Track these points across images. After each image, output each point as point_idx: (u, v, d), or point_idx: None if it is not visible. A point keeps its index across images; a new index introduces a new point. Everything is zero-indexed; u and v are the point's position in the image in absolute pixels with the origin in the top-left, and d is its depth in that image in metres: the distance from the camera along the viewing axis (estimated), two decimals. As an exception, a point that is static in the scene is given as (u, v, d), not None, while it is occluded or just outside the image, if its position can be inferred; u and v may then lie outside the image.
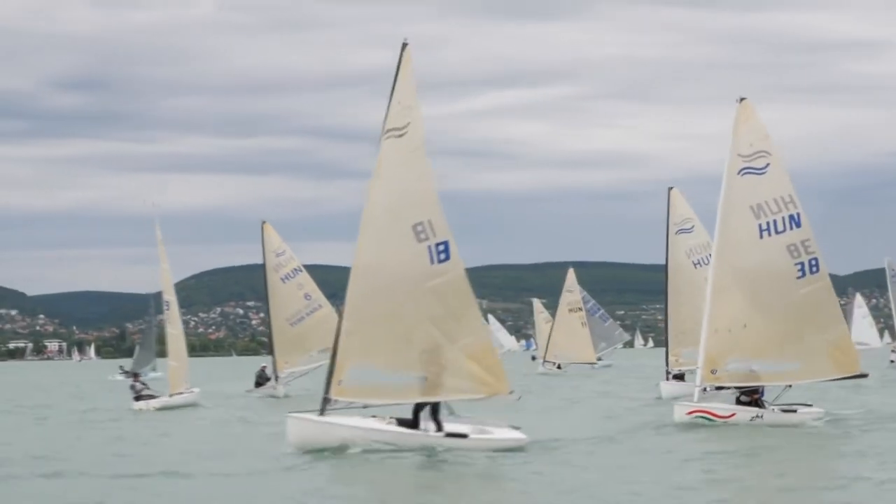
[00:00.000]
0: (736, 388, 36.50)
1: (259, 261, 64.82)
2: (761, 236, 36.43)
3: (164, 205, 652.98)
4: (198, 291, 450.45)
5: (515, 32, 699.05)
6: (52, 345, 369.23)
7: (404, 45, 29.95)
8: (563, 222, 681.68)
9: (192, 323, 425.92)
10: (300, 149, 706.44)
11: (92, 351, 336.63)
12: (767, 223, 36.44)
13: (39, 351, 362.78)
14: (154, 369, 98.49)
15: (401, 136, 29.50)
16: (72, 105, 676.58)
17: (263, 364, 65.40)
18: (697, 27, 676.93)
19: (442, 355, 29.10)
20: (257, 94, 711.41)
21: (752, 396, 36.22)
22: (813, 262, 36.38)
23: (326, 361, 60.28)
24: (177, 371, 52.05)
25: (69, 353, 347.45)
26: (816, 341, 36.24)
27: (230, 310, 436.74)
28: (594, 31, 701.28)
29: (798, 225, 36.51)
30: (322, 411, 29.02)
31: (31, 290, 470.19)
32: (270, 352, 63.92)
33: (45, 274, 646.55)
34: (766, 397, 36.67)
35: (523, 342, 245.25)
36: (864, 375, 37.92)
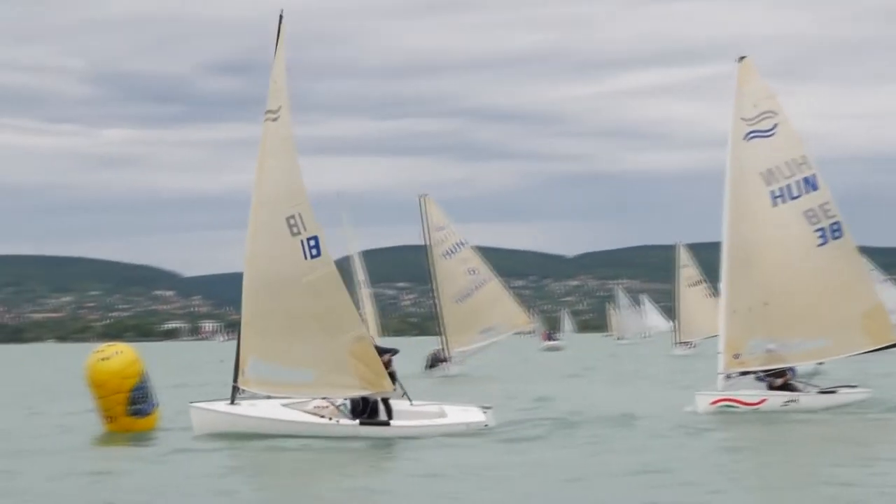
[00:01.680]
0: (763, 371, 33.36)
1: (411, 242, 64.73)
2: (775, 204, 33.56)
3: (318, 187, 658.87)
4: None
5: (672, 10, 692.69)
6: (207, 325, 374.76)
7: (280, 17, 28.34)
8: (719, 203, 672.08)
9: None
10: (454, 130, 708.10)
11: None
12: (781, 189, 33.58)
13: (195, 332, 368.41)
14: None
15: (275, 119, 28.25)
16: (226, 89, 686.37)
17: (436, 347, 63.63)
18: (855, 3, 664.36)
19: (326, 352, 27.68)
20: (411, 76, 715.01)
21: (783, 378, 33.26)
22: (835, 227, 33.46)
23: (499, 338, 61.86)
24: None
25: (223, 334, 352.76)
26: (847, 312, 33.28)
27: (381, 290, 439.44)
28: (752, 9, 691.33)
29: (815, 188, 33.60)
30: (232, 400, 27.74)
31: (187, 271, 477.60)
32: (439, 332, 62.92)
33: (200, 256, 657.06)
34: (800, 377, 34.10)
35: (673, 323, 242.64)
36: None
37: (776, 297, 33.30)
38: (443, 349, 61.85)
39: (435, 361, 61.50)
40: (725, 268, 33.80)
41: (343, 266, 56.98)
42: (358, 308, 32.55)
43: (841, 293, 33.35)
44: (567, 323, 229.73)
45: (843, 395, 33.45)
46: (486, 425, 28.20)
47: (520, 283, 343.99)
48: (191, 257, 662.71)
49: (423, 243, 63.68)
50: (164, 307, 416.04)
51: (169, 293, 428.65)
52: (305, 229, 27.81)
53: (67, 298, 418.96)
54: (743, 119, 33.86)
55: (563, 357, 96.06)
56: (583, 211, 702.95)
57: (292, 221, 27.84)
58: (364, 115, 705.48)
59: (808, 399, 32.92)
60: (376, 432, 27.31)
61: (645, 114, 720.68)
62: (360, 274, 59.38)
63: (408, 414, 28.12)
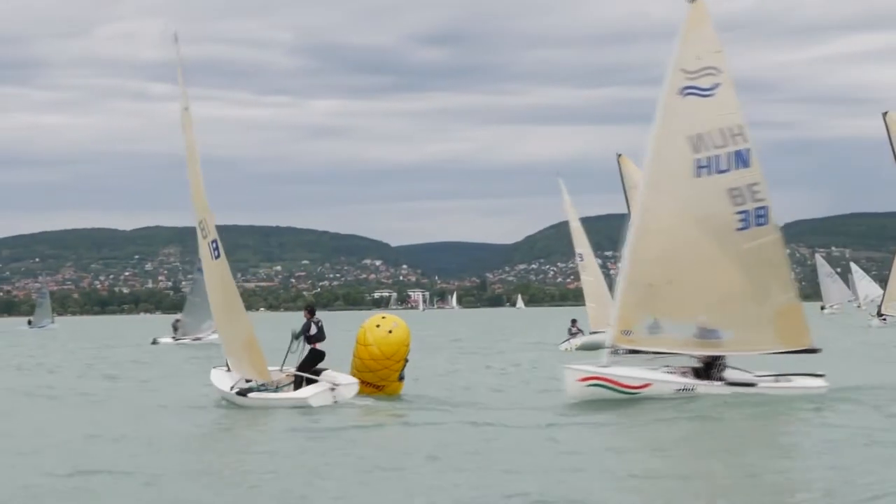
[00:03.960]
0: (655, 353, 29.30)
1: (615, 210, 63.48)
2: (698, 174, 29.11)
3: (522, 157, 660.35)
4: (557, 241, 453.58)
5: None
6: (415, 294, 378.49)
7: None
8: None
9: (552, 272, 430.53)
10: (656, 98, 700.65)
11: (454, 300, 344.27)
12: (708, 159, 29.13)
13: (403, 300, 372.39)
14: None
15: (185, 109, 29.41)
16: (434, 59, 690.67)
17: None
18: None
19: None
20: (614, 44, 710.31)
21: (711, 364, 29.03)
22: (760, 213, 29.15)
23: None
24: (596, 312, 57.67)
25: (431, 303, 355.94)
26: (758, 307, 29.11)
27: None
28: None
29: (746, 164, 29.16)
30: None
31: (395, 241, 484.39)
32: None
33: (408, 225, 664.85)
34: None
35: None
36: (814, 351, 29.74)
37: (682, 276, 29.09)
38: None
39: None
40: (630, 234, 29.53)
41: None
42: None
43: (754, 285, 29.22)
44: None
45: (763, 388, 28.71)
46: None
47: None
48: (398, 227, 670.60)
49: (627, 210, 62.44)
50: (373, 276, 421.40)
51: (377, 262, 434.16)
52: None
53: (278, 268, 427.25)
54: (683, 70, 29.26)
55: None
56: (793, 178, 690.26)
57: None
58: (567, 83, 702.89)
59: (708, 389, 28.31)
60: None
61: (857, 79, 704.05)
62: (582, 246, 59.49)
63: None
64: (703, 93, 29.21)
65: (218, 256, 29.02)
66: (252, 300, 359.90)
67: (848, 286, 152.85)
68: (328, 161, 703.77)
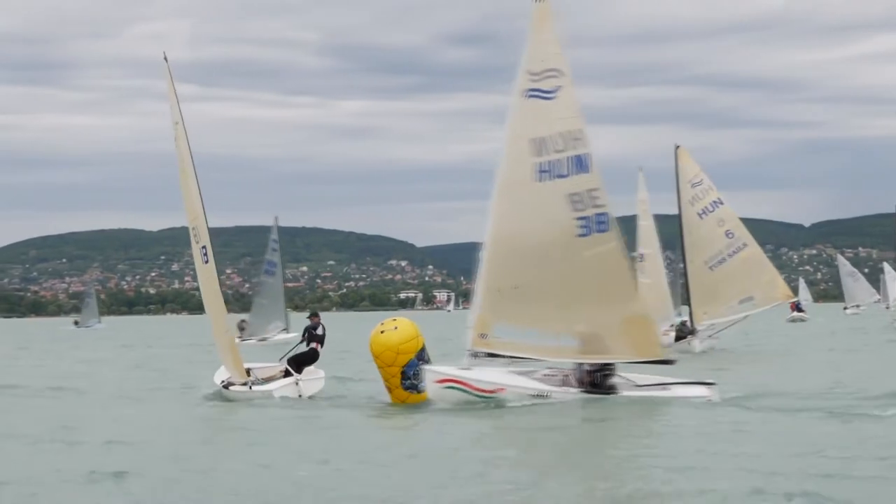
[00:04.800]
0: (511, 357, 29.04)
1: (659, 210, 59.28)
2: (539, 178, 28.60)
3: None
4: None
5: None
6: (441, 295, 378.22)
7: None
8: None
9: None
10: (688, 98, 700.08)
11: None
12: (549, 163, 28.59)
13: (429, 301, 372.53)
14: None
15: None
16: (462, 59, 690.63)
17: (684, 318, 58.44)
18: None
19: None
20: (646, 44, 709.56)
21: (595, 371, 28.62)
22: (601, 219, 28.58)
23: (755, 311, 55.49)
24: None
25: (457, 304, 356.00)
26: (604, 315, 28.44)
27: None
28: None
29: (586, 169, 28.57)
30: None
31: (421, 241, 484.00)
32: (686, 301, 57.15)
33: (433, 226, 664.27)
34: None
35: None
36: (668, 362, 29.18)
37: (527, 283, 28.81)
38: (689, 321, 56.11)
39: (682, 334, 55.26)
40: (487, 240, 29.17)
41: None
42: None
43: (598, 293, 28.61)
44: (804, 293, 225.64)
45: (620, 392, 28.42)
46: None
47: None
48: (424, 227, 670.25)
49: (666, 211, 59.22)
50: (399, 277, 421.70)
51: (403, 263, 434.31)
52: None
53: (304, 268, 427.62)
54: (528, 72, 28.82)
55: (806, 328, 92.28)
56: (821, 178, 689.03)
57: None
58: (599, 83, 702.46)
59: (564, 396, 27.90)
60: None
61: (884, 79, 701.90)
62: (649, 247, 56.07)
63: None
64: (546, 95, 28.76)
65: (207, 261, 30.55)
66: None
67: (878, 287, 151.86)
68: (354, 161, 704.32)
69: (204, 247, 30.58)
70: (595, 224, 28.52)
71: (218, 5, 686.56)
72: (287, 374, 31.11)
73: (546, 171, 28.67)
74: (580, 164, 28.56)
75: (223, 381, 31.15)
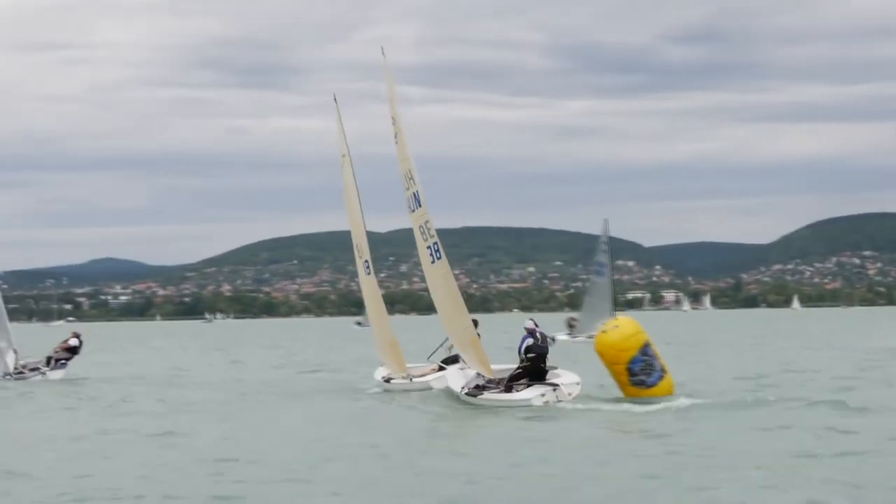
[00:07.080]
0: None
1: (875, 209, 58.89)
2: (412, 210, 32.97)
3: (777, 155, 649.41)
4: (813, 241, 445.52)
5: None
6: (669, 295, 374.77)
7: None
8: None
9: (808, 273, 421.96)
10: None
11: (707, 301, 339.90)
12: (407, 199, 33.07)
13: (656, 301, 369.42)
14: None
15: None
16: (687, 58, 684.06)
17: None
18: None
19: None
20: (870, 40, 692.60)
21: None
22: (436, 248, 32.37)
23: None
24: None
25: (687, 303, 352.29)
26: (458, 334, 32.65)
27: (846, 259, 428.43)
28: None
29: (419, 205, 32.73)
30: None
31: (648, 241, 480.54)
32: None
33: (661, 225, 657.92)
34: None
35: None
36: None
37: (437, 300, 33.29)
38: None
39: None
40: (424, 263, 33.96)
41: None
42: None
43: (450, 314, 32.70)
44: None
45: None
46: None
47: None
48: (651, 227, 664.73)
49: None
50: (626, 277, 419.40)
51: (630, 263, 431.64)
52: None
53: (531, 269, 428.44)
54: (392, 118, 33.76)
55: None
56: None
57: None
58: (822, 80, 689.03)
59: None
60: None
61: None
62: None
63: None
64: (395, 140, 33.43)
65: (369, 273, 37.16)
66: (506, 301, 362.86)
67: None
68: (580, 161, 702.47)
69: (367, 261, 36.87)
70: (434, 252, 32.56)
71: (442, 8, 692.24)
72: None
73: (410, 206, 33.11)
74: (416, 200, 32.86)
75: (384, 377, 35.84)
